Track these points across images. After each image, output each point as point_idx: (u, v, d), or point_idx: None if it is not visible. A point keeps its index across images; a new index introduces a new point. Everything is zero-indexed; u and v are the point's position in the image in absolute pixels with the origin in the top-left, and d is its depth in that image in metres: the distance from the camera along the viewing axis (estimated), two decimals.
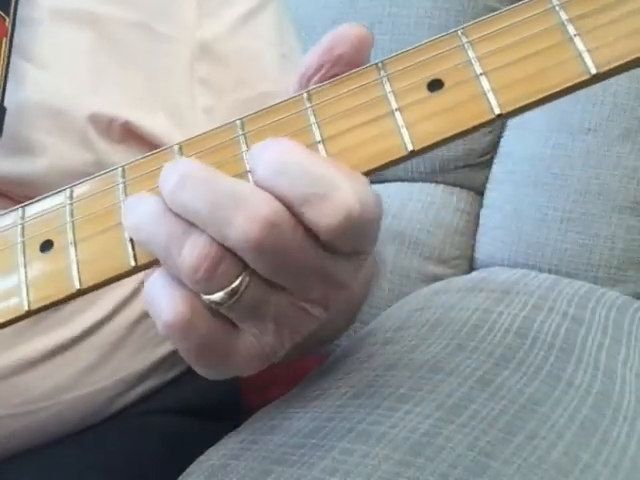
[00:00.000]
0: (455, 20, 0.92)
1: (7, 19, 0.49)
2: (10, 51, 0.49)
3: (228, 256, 0.32)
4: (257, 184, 0.32)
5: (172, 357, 0.60)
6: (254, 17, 0.58)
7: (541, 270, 0.84)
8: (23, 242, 0.36)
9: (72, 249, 0.35)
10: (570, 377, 0.56)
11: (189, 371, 0.62)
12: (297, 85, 0.36)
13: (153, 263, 0.35)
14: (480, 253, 0.91)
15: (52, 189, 0.51)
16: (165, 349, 0.59)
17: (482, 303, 0.67)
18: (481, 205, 0.93)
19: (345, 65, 0.35)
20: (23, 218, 0.37)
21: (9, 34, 0.49)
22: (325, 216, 0.31)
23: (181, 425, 0.59)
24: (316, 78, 0.35)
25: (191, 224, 0.32)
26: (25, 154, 0.50)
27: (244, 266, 0.33)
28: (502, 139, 0.92)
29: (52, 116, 0.50)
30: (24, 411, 0.51)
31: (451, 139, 0.32)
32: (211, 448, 0.50)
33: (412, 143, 0.32)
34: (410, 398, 0.49)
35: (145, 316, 0.56)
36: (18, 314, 0.36)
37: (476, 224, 0.93)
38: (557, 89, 0.31)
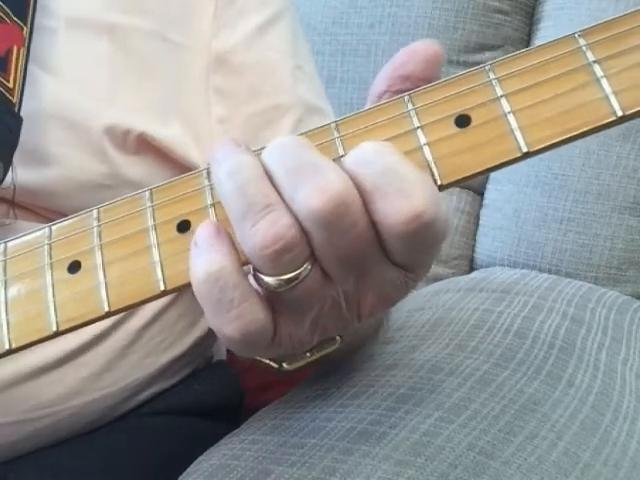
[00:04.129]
0: (455, 20, 0.92)
1: (25, 28, 0.49)
2: (27, 61, 0.49)
3: (302, 244, 0.32)
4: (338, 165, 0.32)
5: (177, 363, 0.60)
6: (269, 28, 0.58)
7: (541, 270, 0.84)
8: (51, 263, 0.36)
9: (100, 271, 0.35)
10: (570, 377, 0.56)
11: (193, 374, 0.62)
12: (368, 102, 0.36)
13: (183, 287, 0.35)
14: (480, 253, 0.92)
15: (66, 200, 0.51)
16: (170, 356, 0.59)
17: (482, 303, 0.67)
18: (481, 205, 0.93)
19: (417, 80, 0.35)
20: (50, 238, 0.37)
21: (27, 43, 0.49)
22: (397, 211, 0.31)
23: (184, 425, 0.59)
24: (386, 95, 0.36)
25: (280, 200, 0.32)
26: (40, 164, 0.50)
27: (309, 255, 0.33)
28: None
29: (68, 127, 0.50)
30: (33, 417, 0.51)
31: (478, 175, 0.33)
32: (211, 448, 0.50)
33: (440, 179, 0.33)
34: (410, 398, 0.49)
35: (152, 323, 0.56)
36: (46, 334, 0.36)
37: (476, 224, 0.93)
38: (583, 129, 0.32)
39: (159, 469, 0.51)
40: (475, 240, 0.92)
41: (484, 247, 0.91)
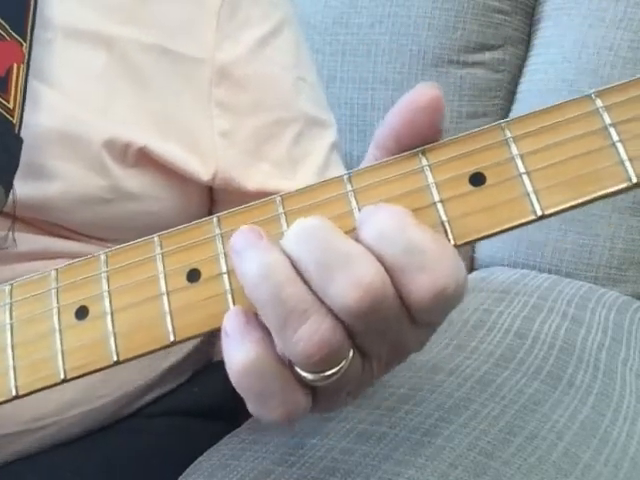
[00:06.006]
0: (455, 20, 0.92)
1: (24, 44, 0.48)
2: (27, 78, 0.48)
3: (345, 343, 0.31)
4: (360, 242, 0.32)
5: (177, 369, 0.60)
6: (272, 40, 0.58)
7: (541, 270, 0.84)
8: (58, 307, 0.36)
9: (109, 319, 0.35)
10: (570, 377, 0.56)
11: (192, 377, 0.62)
12: (375, 154, 0.35)
13: (193, 337, 0.34)
14: (480, 253, 0.91)
15: (66, 214, 0.51)
16: (170, 362, 0.58)
17: (482, 303, 0.67)
18: None
19: (424, 136, 0.34)
20: (57, 281, 0.37)
21: (26, 59, 0.48)
22: (421, 288, 0.31)
23: (184, 426, 0.59)
24: (392, 147, 0.34)
25: (316, 299, 0.31)
26: (39, 179, 0.49)
27: (350, 346, 0.32)
28: None
29: (67, 142, 0.50)
30: (34, 427, 0.51)
31: (491, 236, 0.33)
32: (211, 448, 0.50)
33: (454, 239, 0.32)
34: (410, 398, 0.49)
35: None
36: (54, 382, 0.35)
37: None
38: (598, 194, 0.31)
39: (159, 469, 0.51)
40: None
41: (484, 247, 0.91)
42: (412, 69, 0.94)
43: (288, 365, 0.32)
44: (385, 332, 0.32)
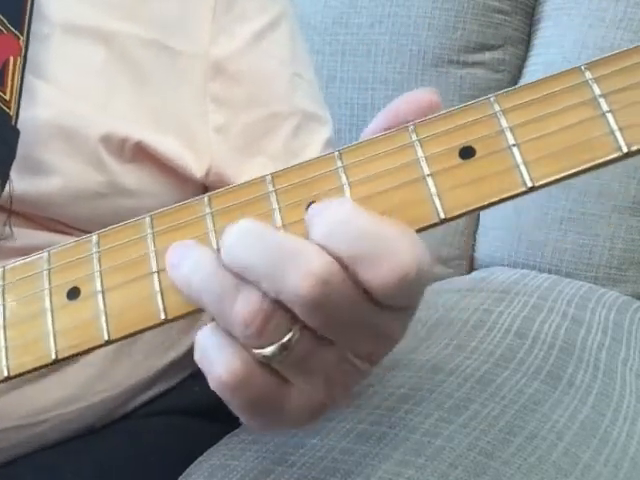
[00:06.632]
0: (455, 20, 0.92)
1: (21, 37, 0.48)
2: (24, 71, 0.48)
3: (280, 311, 0.32)
4: (312, 242, 0.32)
5: (176, 366, 0.59)
6: (268, 34, 0.58)
7: (541, 270, 0.84)
8: (50, 288, 0.36)
9: (100, 298, 0.35)
10: (570, 377, 0.56)
11: (192, 375, 0.62)
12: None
13: (184, 316, 0.35)
14: (480, 253, 0.91)
15: (63, 209, 0.51)
16: (169, 358, 0.58)
17: (482, 303, 0.67)
18: None
19: None
20: (49, 263, 0.37)
21: (23, 53, 0.48)
22: (380, 277, 0.31)
23: (183, 426, 0.59)
24: None
25: (243, 278, 0.32)
26: (37, 174, 0.49)
27: (295, 320, 0.32)
28: None
29: (64, 137, 0.50)
30: (32, 422, 0.51)
31: (481, 209, 0.33)
32: (211, 448, 0.50)
33: (444, 212, 0.32)
34: (410, 398, 0.49)
35: None
36: (45, 362, 0.35)
37: (476, 224, 0.93)
38: (588, 165, 0.31)
39: (158, 470, 0.51)
40: (475, 240, 0.92)
41: (484, 247, 0.91)
42: (412, 69, 0.94)
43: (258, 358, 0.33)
44: (348, 320, 0.32)
